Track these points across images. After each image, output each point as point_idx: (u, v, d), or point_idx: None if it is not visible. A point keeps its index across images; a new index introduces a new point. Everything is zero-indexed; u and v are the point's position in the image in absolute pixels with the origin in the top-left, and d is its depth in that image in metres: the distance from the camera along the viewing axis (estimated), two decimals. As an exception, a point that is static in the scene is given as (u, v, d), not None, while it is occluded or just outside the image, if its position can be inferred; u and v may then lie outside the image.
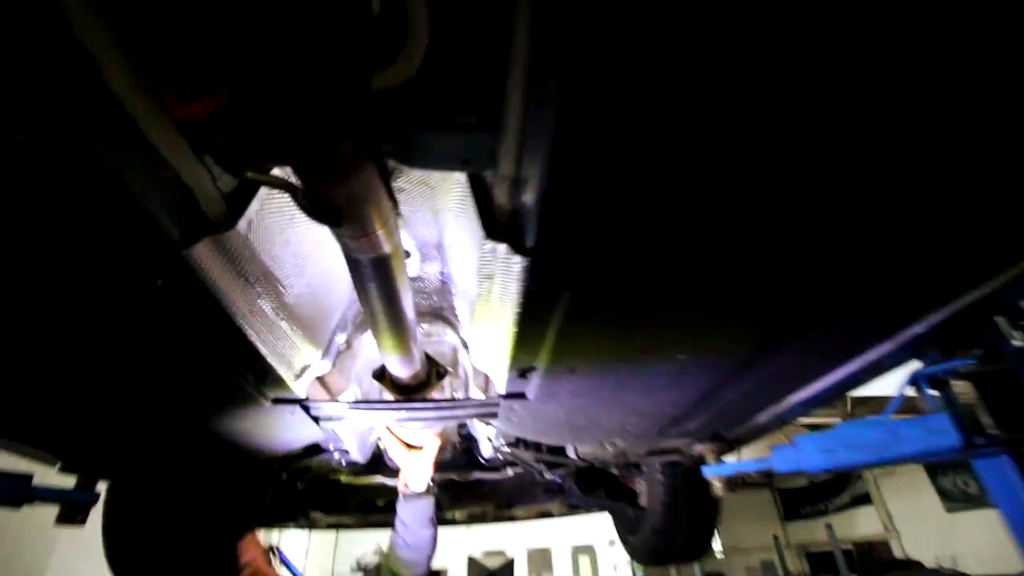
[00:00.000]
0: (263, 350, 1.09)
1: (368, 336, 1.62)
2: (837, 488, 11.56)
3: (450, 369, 1.56)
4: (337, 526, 3.50)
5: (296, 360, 1.22)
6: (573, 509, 3.24)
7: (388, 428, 1.70)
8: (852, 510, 11.28)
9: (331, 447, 1.79)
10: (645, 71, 0.52)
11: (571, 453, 2.16)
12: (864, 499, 11.10)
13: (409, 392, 1.42)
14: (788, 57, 0.51)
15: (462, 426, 2.48)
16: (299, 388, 1.27)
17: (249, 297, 1.04)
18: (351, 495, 2.60)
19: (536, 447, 2.04)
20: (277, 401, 1.28)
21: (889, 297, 0.98)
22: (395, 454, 1.73)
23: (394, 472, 2.34)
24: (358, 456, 2.00)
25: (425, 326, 1.57)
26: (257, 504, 2.39)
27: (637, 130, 0.58)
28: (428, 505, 1.76)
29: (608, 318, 0.98)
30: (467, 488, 2.63)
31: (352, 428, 1.75)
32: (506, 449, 1.95)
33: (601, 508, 3.03)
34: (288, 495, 2.53)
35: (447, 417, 1.47)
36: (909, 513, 10.14)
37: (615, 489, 2.89)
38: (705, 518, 2.43)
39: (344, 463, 2.07)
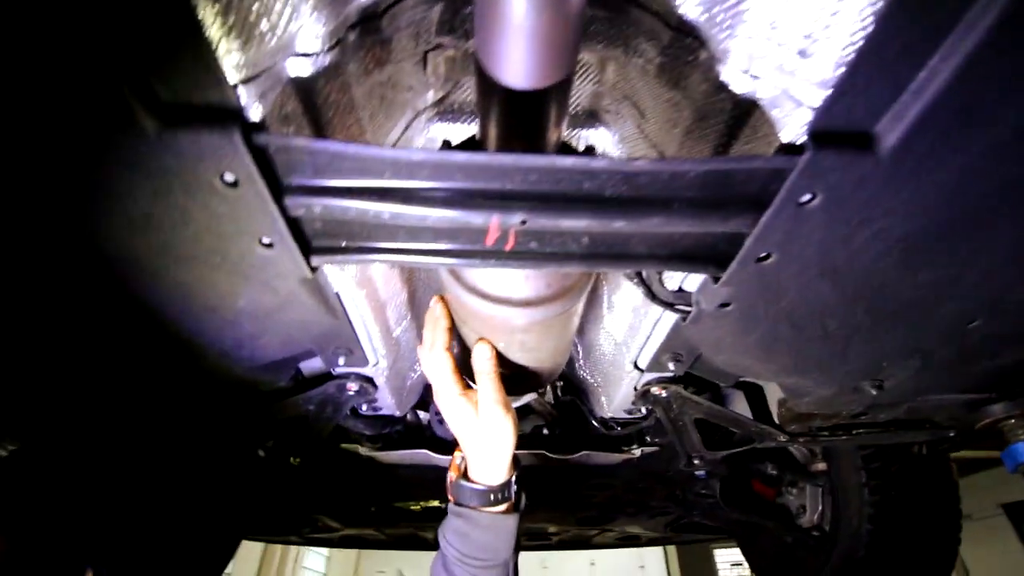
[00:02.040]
0: None
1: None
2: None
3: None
4: (353, 542, 2.55)
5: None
6: (676, 534, 2.25)
7: (440, 299, 0.81)
8: (918, 564, 9.91)
9: (340, 367, 0.90)
10: None
11: (742, 409, 1.25)
12: (933, 551, 9.74)
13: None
14: None
15: (557, 395, 1.53)
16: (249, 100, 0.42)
17: None
18: (376, 481, 1.62)
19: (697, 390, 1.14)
20: (176, 117, 0.39)
21: None
22: (442, 390, 0.83)
23: (448, 444, 1.44)
24: (391, 401, 1.13)
25: None
26: (226, 493, 1.51)
27: None
28: (505, 534, 0.84)
29: None
30: (552, 481, 1.64)
31: (384, 310, 0.88)
32: (661, 393, 1.06)
33: (733, 531, 2.07)
34: (278, 481, 1.63)
35: (622, 254, 0.60)
36: (990, 569, 8.87)
37: (752, 499, 1.95)
38: (947, 542, 1.51)
39: (365, 411, 1.16)
